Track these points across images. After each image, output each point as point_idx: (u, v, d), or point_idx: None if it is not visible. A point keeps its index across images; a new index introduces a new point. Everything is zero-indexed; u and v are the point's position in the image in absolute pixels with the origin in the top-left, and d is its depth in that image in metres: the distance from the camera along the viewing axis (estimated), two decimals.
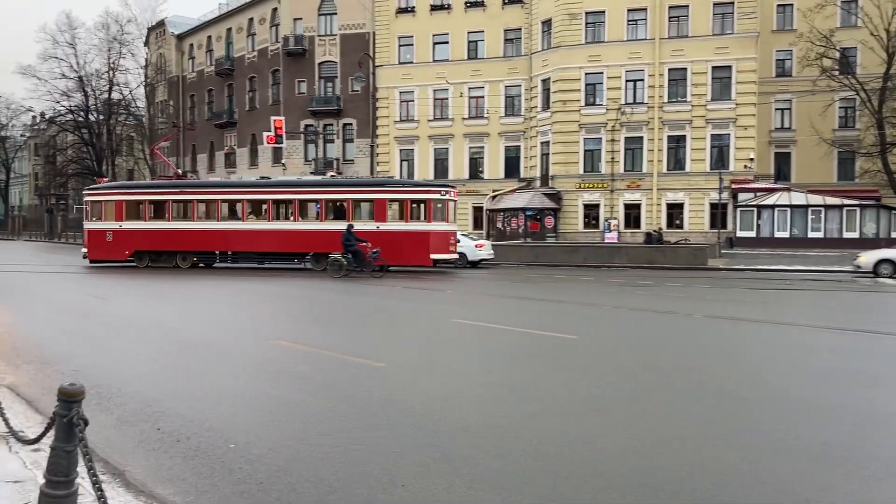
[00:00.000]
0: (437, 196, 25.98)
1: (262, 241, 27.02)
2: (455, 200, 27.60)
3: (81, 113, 64.88)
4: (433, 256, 25.66)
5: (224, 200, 28.49)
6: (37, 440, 4.65)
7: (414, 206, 25.99)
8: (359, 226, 24.98)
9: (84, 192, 32.98)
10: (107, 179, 40.33)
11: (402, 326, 13.03)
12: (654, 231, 36.79)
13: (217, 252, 27.77)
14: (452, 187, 28.19)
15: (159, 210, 28.81)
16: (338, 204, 27.11)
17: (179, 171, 37.78)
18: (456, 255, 26.90)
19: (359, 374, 8.26)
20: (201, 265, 28.13)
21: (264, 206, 27.68)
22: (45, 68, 63.24)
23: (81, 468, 3.75)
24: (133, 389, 7.51)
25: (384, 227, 25.46)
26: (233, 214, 28.29)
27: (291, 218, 27.23)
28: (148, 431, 6.07)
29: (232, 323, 13.11)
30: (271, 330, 12.03)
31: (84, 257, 29.32)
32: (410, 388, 7.56)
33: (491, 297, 18.09)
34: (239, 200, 28.12)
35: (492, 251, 29.28)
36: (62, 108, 65.57)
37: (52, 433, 3.92)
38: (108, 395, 7.22)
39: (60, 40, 62.69)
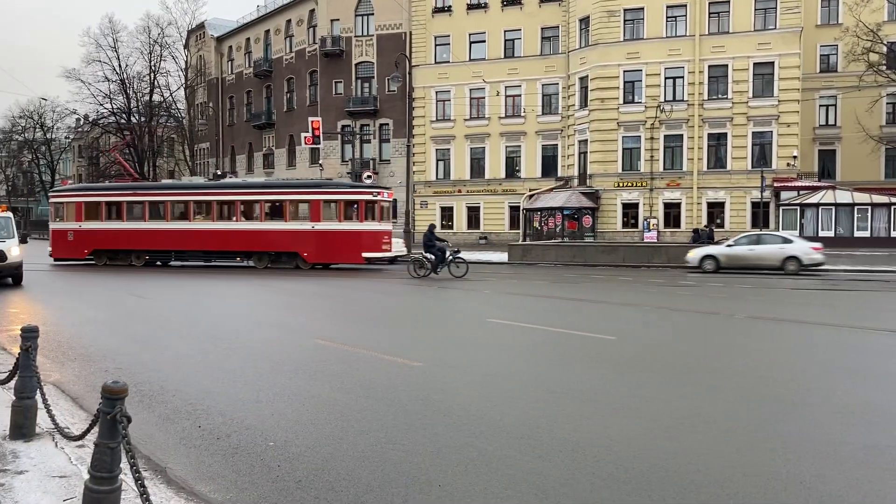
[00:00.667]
0: (370, 197, 27.04)
1: (207, 240, 28.18)
2: (389, 202, 28.62)
3: (123, 115, 66.17)
4: (365, 255, 26.89)
5: (173, 202, 29.61)
6: (81, 436, 4.74)
7: (347, 206, 27.05)
8: (295, 225, 26.85)
9: (49, 194, 34.48)
10: (70, 181, 41.82)
11: (439, 326, 13.02)
12: (703, 228, 35.27)
13: (173, 251, 28.95)
14: (386, 189, 29.38)
15: (115, 211, 30.07)
16: (276, 204, 28.16)
17: (137, 174, 39.38)
18: (390, 253, 28.28)
19: (396, 373, 8.28)
20: (158, 263, 29.28)
21: (210, 208, 28.91)
22: (89, 71, 64.74)
23: (124, 464, 3.81)
24: (174, 387, 7.61)
25: (319, 226, 26.79)
26: (181, 215, 29.37)
27: (234, 218, 28.32)
28: (189, 429, 6.14)
29: (269, 321, 13.23)
30: (308, 328, 12.12)
31: (50, 255, 30.54)
32: (447, 388, 7.54)
33: (528, 297, 18.00)
34: (187, 202, 29.35)
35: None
36: (105, 111, 67.00)
37: (96, 430, 3.98)
38: (149, 393, 7.33)
39: (103, 44, 64.11)
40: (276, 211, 28.02)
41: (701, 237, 32.66)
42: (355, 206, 26.96)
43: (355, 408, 6.72)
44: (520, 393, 7.36)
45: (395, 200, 32.07)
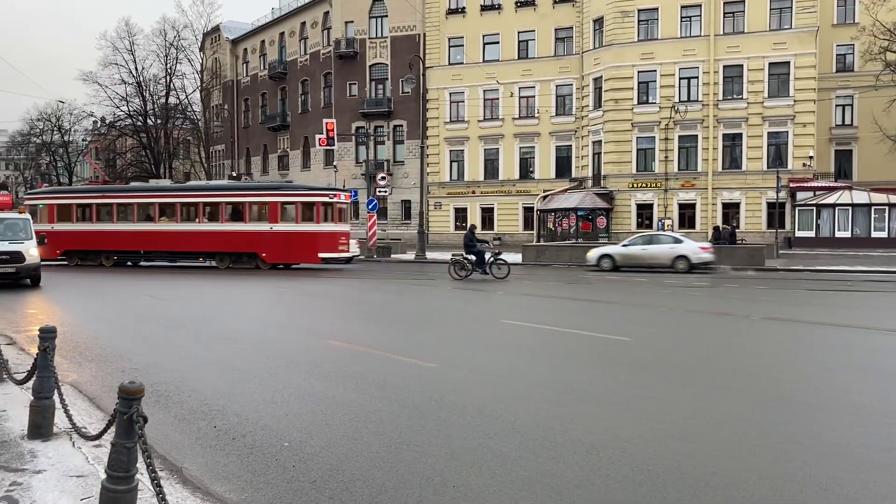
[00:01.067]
0: (326, 199, 27.70)
1: (172, 241, 28.80)
2: (347, 204, 29.40)
3: (140, 117, 66.59)
4: (321, 255, 27.41)
5: (140, 204, 30.19)
6: (98, 436, 4.78)
7: (304, 208, 27.64)
8: (253, 226, 27.49)
9: (23, 197, 35.35)
10: (44, 185, 42.75)
11: (453, 327, 13.02)
12: (724, 227, 34.35)
13: (141, 252, 29.65)
14: (344, 191, 30.00)
15: (86, 213, 30.72)
16: (237, 207, 28.71)
17: (107, 177, 40.52)
18: (347, 254, 28.83)
19: (410, 374, 8.29)
20: (129, 264, 30.05)
21: (174, 209, 29.55)
22: (106, 74, 65.19)
23: (141, 464, 3.84)
24: (189, 387, 7.66)
25: (277, 227, 27.38)
26: (148, 217, 29.96)
27: (197, 220, 28.96)
28: (205, 429, 6.18)
29: (282, 322, 13.28)
30: (322, 329, 12.15)
31: None
32: (461, 389, 7.54)
33: (541, 297, 17.96)
34: (152, 204, 30.00)
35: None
36: (122, 113, 67.44)
37: (112, 430, 4.01)
38: (165, 393, 7.38)
39: (120, 47, 64.52)
40: (237, 213, 28.65)
41: (722, 236, 32.04)
42: (312, 207, 27.58)
43: (369, 408, 6.74)
44: (534, 394, 7.35)
45: (355, 202, 35.53)
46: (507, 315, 13.99)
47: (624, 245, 27.44)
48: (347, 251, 28.71)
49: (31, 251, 19.62)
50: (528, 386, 7.72)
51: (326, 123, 38.93)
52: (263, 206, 28.06)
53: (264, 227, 27.48)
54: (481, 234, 47.72)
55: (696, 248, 26.08)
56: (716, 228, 34.88)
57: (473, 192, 48.91)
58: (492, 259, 22.39)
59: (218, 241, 28.05)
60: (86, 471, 4.92)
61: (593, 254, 27.68)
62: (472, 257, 22.37)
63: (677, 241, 26.65)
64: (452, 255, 23.66)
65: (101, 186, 34.97)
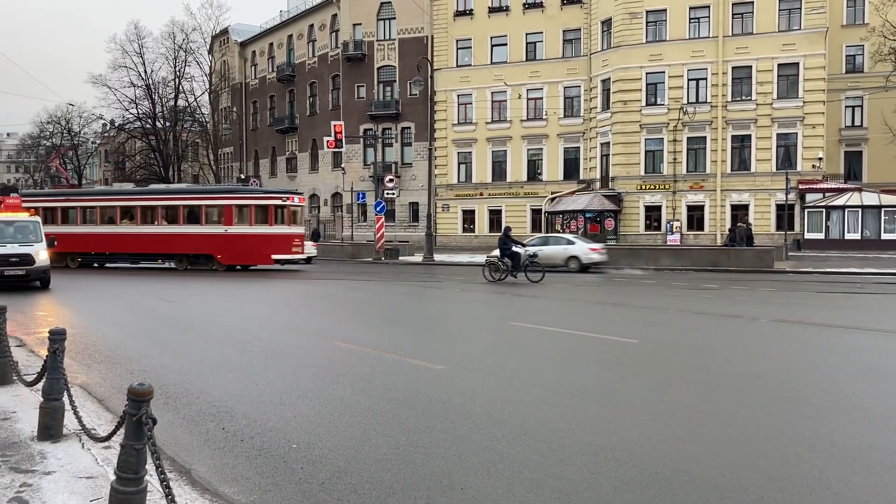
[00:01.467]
0: (279, 202, 28.62)
1: (133, 243, 29.48)
2: (300, 206, 30.31)
3: (149, 120, 66.95)
4: (275, 256, 28.28)
5: (103, 207, 30.87)
6: (108, 438, 4.80)
7: (257, 211, 28.47)
8: (209, 229, 28.23)
9: None
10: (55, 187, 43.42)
11: (461, 329, 13.02)
12: (741, 226, 33.51)
13: (105, 254, 30.44)
14: (297, 194, 30.49)
15: (51, 216, 31.13)
16: (194, 209, 29.40)
17: (73, 181, 41.25)
18: (301, 255, 29.49)
19: (418, 376, 8.29)
20: (95, 265, 30.77)
21: (134, 212, 30.28)
22: (115, 77, 65.59)
23: (150, 466, 3.85)
24: (198, 389, 7.68)
25: (231, 230, 28.17)
26: (110, 220, 30.64)
27: (156, 222, 29.63)
28: (213, 431, 6.20)
29: (290, 324, 13.31)
30: (330, 331, 12.16)
31: None
32: (469, 391, 7.54)
33: (549, 300, 17.94)
34: (115, 207, 30.71)
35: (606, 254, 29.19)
36: (131, 116, 67.82)
37: (122, 431, 4.03)
38: (174, 395, 7.41)
39: (129, 50, 64.91)
40: (194, 216, 29.36)
41: (739, 236, 31.63)
42: (265, 210, 28.41)
43: (377, 410, 6.74)
44: (541, 396, 7.35)
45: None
46: (515, 317, 13.97)
47: (524, 246, 27.50)
48: (301, 252, 29.49)
49: (41, 254, 19.73)
50: (535, 388, 7.71)
51: (334, 125, 39.03)
52: (218, 209, 28.89)
53: (219, 229, 28.36)
54: (489, 236, 48.01)
55: (586, 249, 27.86)
56: (731, 231, 34.37)
57: (481, 194, 48.90)
58: (527, 262, 22.15)
59: (176, 243, 28.87)
60: (95, 472, 4.94)
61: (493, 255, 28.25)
62: (507, 260, 22.13)
63: (570, 242, 28.61)
64: (487, 257, 23.50)
65: (67, 190, 35.89)
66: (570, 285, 22.01)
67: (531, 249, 25.54)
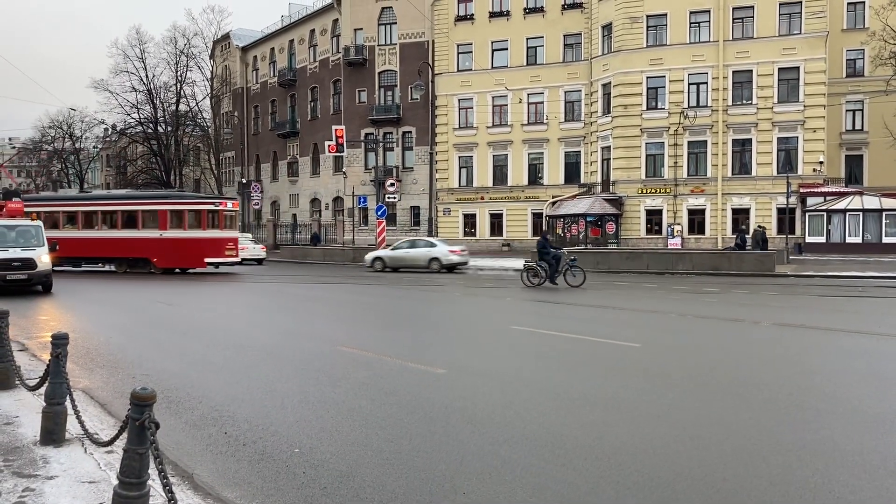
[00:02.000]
0: (212, 207, 29.97)
1: (76, 247, 29.59)
2: (234, 211, 31.70)
3: (150, 125, 67.00)
4: (208, 260, 29.46)
5: (47, 212, 31.10)
6: (110, 442, 4.81)
7: (191, 216, 29.55)
8: (146, 233, 29.08)
9: None
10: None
11: (462, 333, 13.02)
12: (758, 229, 32.93)
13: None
14: (231, 199, 32.26)
15: None
16: (132, 214, 30.27)
17: (12, 186, 42.42)
18: (235, 259, 30.58)
19: (419, 380, 8.30)
20: None
21: (77, 218, 31.08)
22: (117, 82, 65.65)
23: (152, 470, 3.86)
24: (200, 393, 7.69)
25: (166, 234, 29.18)
26: (54, 224, 30.98)
27: (97, 227, 30.43)
28: (215, 435, 6.20)
29: (292, 328, 13.30)
30: (332, 335, 12.16)
31: None
32: (471, 396, 7.54)
33: (550, 304, 17.94)
34: (57, 213, 31.48)
35: (467, 256, 32.29)
36: (132, 121, 67.87)
37: (124, 436, 4.04)
38: (176, 399, 7.42)
39: (131, 55, 64.98)
40: (132, 220, 30.31)
41: (755, 239, 31.26)
42: (198, 215, 29.53)
43: (379, 415, 6.75)
44: (543, 400, 7.35)
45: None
46: (516, 321, 13.97)
47: (392, 249, 32.04)
48: (235, 255, 30.58)
49: (43, 258, 19.77)
50: (537, 392, 7.72)
51: (336, 130, 39.08)
52: (154, 214, 29.83)
53: (155, 233, 29.21)
54: (489, 241, 48.04)
55: (446, 251, 30.35)
56: (740, 232, 34.10)
57: (482, 198, 48.91)
58: (567, 266, 21.81)
59: (115, 247, 29.58)
60: (98, 477, 4.95)
61: (369, 256, 32.40)
62: (546, 264, 21.83)
63: (432, 245, 31.07)
64: (525, 261, 23.37)
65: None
66: (570, 288, 22.01)
67: (386, 252, 30.11)
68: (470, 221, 49.61)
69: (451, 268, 30.15)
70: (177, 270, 29.78)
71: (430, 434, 6.11)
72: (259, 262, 37.57)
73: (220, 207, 29.96)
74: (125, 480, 3.94)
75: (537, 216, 46.76)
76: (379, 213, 37.61)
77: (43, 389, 5.93)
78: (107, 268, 30.34)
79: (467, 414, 6.77)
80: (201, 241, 29.06)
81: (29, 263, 19.34)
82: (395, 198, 40.33)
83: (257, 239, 50.07)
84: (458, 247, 31.87)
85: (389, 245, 34.03)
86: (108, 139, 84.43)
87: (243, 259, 37.63)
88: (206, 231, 29.27)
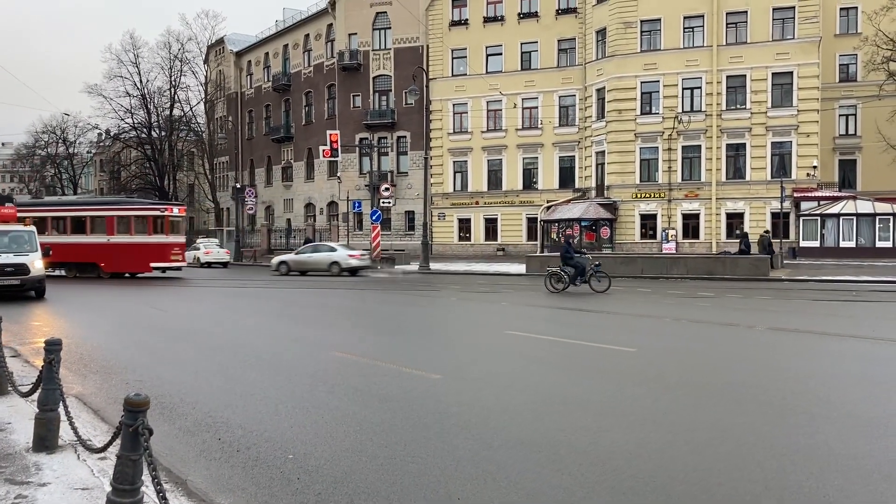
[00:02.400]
0: (157, 213, 30.65)
1: None
2: (180, 217, 32.42)
3: (144, 129, 66.94)
4: (153, 265, 29.86)
5: None
6: (104, 449, 4.78)
7: (137, 221, 30.41)
8: (93, 238, 29.64)
9: None
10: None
11: (456, 338, 13.01)
12: (765, 233, 32.72)
13: None
14: (178, 205, 33.03)
15: None
16: (81, 220, 30.94)
17: None
18: (182, 263, 31.20)
19: (414, 386, 8.28)
20: None
21: (26, 224, 31.32)
22: (111, 87, 65.68)
23: (146, 476, 3.84)
24: (194, 399, 7.67)
25: (113, 239, 29.84)
26: None
27: (47, 233, 30.47)
28: (209, 441, 6.18)
29: (286, 333, 13.27)
30: (326, 340, 12.13)
31: None
32: (465, 401, 7.54)
33: (545, 308, 17.95)
34: None
35: (367, 260, 33.99)
36: (126, 126, 67.80)
37: (118, 442, 4.02)
38: (170, 405, 7.39)
39: (125, 60, 64.98)
40: (81, 226, 31.01)
41: (763, 244, 31.15)
42: (144, 221, 30.33)
43: (374, 420, 6.73)
44: (538, 405, 7.34)
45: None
46: (511, 326, 13.96)
47: (296, 253, 34.09)
48: (181, 260, 31.20)
49: (36, 263, 19.70)
50: (532, 397, 7.71)
51: (330, 135, 39.05)
52: (102, 220, 30.47)
53: (102, 239, 29.79)
54: (484, 245, 48.07)
55: (346, 255, 32.06)
56: (743, 237, 34.04)
57: (477, 203, 48.96)
58: (592, 271, 21.51)
59: (65, 252, 29.38)
60: (91, 483, 4.92)
61: (275, 260, 34.23)
62: (571, 269, 21.55)
63: (332, 249, 32.97)
64: (548, 266, 23.03)
65: None
66: (564, 293, 22.03)
67: (291, 257, 32.17)
68: (465, 226, 49.66)
69: (354, 271, 31.66)
70: (126, 275, 30.36)
71: (424, 439, 6.10)
72: (224, 265, 40.96)
73: (166, 213, 30.70)
74: (118, 487, 3.92)
75: (532, 221, 46.83)
76: (374, 217, 37.60)
77: (36, 395, 5.89)
78: (56, 272, 30.51)
79: (462, 419, 6.76)
80: (147, 247, 29.77)
81: (22, 269, 19.27)
82: (389, 202, 40.31)
83: (249, 244, 50.09)
84: (358, 251, 33.50)
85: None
86: (101, 144, 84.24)
87: (210, 262, 40.93)
88: (151, 236, 30.04)
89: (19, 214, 31.41)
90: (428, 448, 5.85)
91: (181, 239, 31.82)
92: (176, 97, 66.78)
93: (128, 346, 11.72)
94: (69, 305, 18.98)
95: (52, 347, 5.69)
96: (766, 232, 33.95)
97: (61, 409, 5.59)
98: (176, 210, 31.75)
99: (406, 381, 8.50)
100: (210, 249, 42.24)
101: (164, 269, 30.62)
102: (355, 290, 23.79)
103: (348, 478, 5.17)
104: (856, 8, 43.56)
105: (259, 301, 20.73)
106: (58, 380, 5.65)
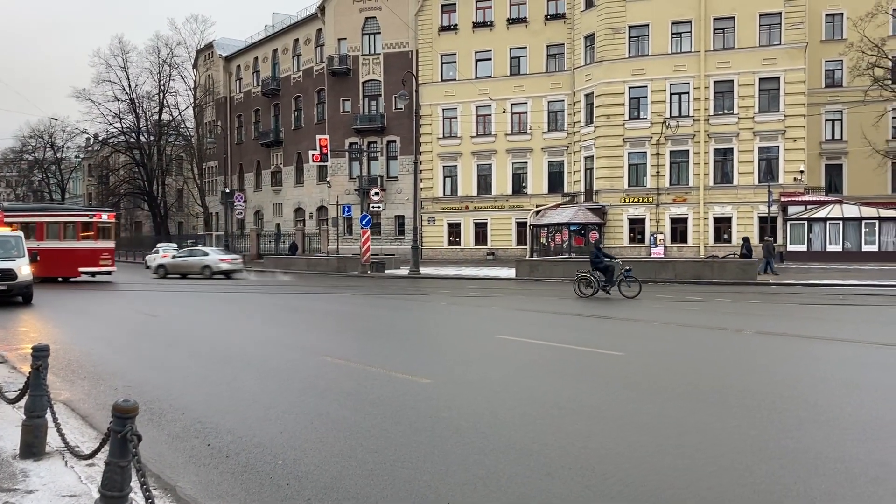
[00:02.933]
0: (86, 219, 31.60)
1: None
2: (110, 223, 33.02)
3: (133, 134, 66.67)
4: (82, 269, 30.63)
5: None
6: (92, 455, 4.76)
7: (66, 227, 31.15)
8: (25, 244, 29.03)
9: None
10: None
11: (446, 342, 13.01)
12: (767, 238, 32.55)
13: None
14: (107, 211, 34.08)
15: None
16: (13, 226, 30.85)
17: None
18: (111, 268, 31.89)
19: (404, 390, 8.27)
20: None
21: None
22: (99, 91, 65.38)
23: (134, 483, 3.82)
24: (183, 405, 7.63)
25: (43, 245, 29.55)
26: None
27: None
28: (198, 447, 6.15)
29: (276, 338, 13.24)
30: (316, 345, 12.11)
31: None
32: (455, 405, 7.54)
33: (536, 313, 17.98)
34: None
35: (240, 264, 36.00)
36: (115, 130, 67.54)
37: (106, 448, 4.00)
38: (159, 411, 7.35)
39: (113, 64, 64.73)
40: None
41: (767, 249, 31.13)
42: (73, 227, 31.11)
43: (364, 426, 6.72)
44: (528, 410, 7.35)
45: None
46: (501, 330, 13.98)
47: (173, 256, 35.96)
48: (111, 265, 31.97)
49: (24, 269, 19.57)
50: (522, 402, 7.72)
51: (320, 139, 38.98)
52: (32, 226, 30.28)
53: (33, 244, 29.43)
54: (474, 249, 48.11)
55: (216, 259, 34.07)
56: (745, 241, 34.26)
57: (467, 208, 49.02)
58: (622, 276, 20.96)
59: None
60: (78, 490, 4.89)
61: (154, 264, 36.17)
62: (600, 274, 21.09)
63: (205, 254, 34.88)
64: (577, 271, 22.67)
65: None
66: (556, 297, 22.08)
67: (168, 260, 33.43)
68: (454, 230, 49.69)
69: (226, 274, 33.55)
70: (59, 280, 30.49)
71: (414, 444, 6.10)
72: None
73: (95, 219, 31.39)
74: (107, 494, 3.90)
75: (521, 225, 46.93)
76: (363, 222, 37.55)
77: (23, 402, 5.85)
78: None
79: (452, 424, 6.77)
80: (75, 252, 30.29)
81: (9, 274, 19.13)
82: (379, 207, 40.27)
83: (239, 248, 49.91)
84: (230, 256, 35.65)
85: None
86: (89, 149, 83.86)
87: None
88: (80, 242, 30.69)
89: None
90: (418, 453, 5.85)
91: (110, 244, 32.59)
92: (165, 102, 66.64)
93: (117, 352, 11.65)
94: (57, 311, 18.86)
95: (40, 353, 5.65)
96: (769, 238, 34.18)
97: (49, 416, 5.56)
98: (105, 216, 32.53)
99: (397, 386, 8.49)
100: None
101: (93, 274, 31.12)
102: (346, 294, 23.73)
103: (338, 483, 5.16)
104: (841, 14, 43.93)
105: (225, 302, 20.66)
106: (45, 386, 5.62)
